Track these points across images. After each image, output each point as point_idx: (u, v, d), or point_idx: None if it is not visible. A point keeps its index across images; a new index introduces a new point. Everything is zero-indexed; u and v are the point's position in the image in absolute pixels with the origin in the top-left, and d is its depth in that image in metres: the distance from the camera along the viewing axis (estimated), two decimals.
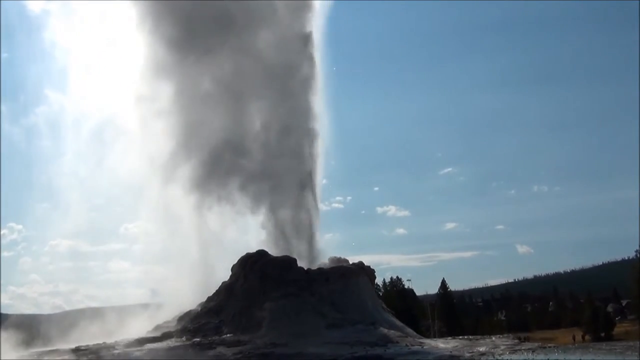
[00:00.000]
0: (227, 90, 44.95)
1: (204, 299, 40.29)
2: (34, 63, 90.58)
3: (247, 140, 44.92)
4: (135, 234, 49.89)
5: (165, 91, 46.24)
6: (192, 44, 45.08)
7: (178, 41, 45.41)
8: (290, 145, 45.06)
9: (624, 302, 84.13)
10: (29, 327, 40.91)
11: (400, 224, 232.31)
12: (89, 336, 37.94)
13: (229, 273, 41.08)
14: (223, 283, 40.69)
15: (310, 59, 47.10)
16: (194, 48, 45.04)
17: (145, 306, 45.50)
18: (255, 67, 45.12)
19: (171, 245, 47.55)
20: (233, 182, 44.76)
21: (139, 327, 39.10)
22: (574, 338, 48.33)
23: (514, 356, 29.22)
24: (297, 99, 46.12)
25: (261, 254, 40.04)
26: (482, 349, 32.18)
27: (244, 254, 40.75)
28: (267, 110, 45.77)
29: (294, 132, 45.48)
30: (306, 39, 47.10)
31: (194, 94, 45.43)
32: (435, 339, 42.37)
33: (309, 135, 46.05)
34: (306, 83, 46.75)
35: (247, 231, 47.28)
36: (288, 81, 45.87)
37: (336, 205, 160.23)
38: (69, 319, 43.62)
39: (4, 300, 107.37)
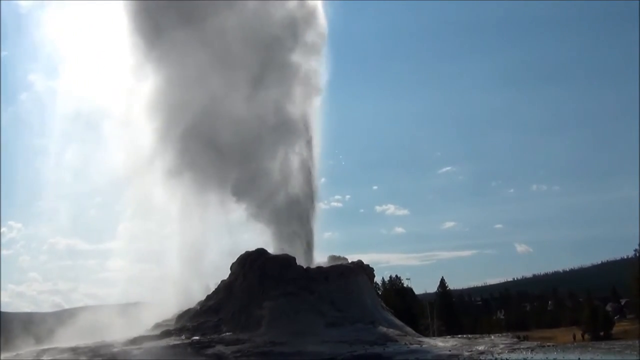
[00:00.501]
0: (211, 64, 43.85)
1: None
2: (25, 59, 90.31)
3: (230, 123, 43.43)
4: (131, 232, 49.46)
5: (150, 80, 45.80)
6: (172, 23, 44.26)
7: (158, 26, 44.85)
8: (282, 127, 44.11)
9: (623, 301, 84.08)
10: (26, 326, 40.75)
11: (399, 222, 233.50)
12: (79, 335, 37.67)
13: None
14: (222, 281, 40.69)
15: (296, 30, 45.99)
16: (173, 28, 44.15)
17: (136, 305, 45.17)
18: (239, 40, 44.13)
19: (161, 243, 47.23)
20: (219, 173, 44.03)
21: (119, 327, 38.69)
22: (574, 337, 48.33)
23: (512, 355, 29.18)
24: (285, 72, 44.86)
25: (260, 252, 39.96)
26: (481, 348, 32.18)
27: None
28: (253, 87, 44.13)
29: (285, 107, 44.45)
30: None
31: (180, 76, 44.58)
32: (434, 337, 42.33)
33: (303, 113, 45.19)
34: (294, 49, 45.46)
35: (241, 228, 46.72)
36: (273, 52, 44.55)
37: (335, 204, 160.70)
38: (67, 318, 43.46)
39: (4, 299, 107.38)
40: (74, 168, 52.32)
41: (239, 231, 46.05)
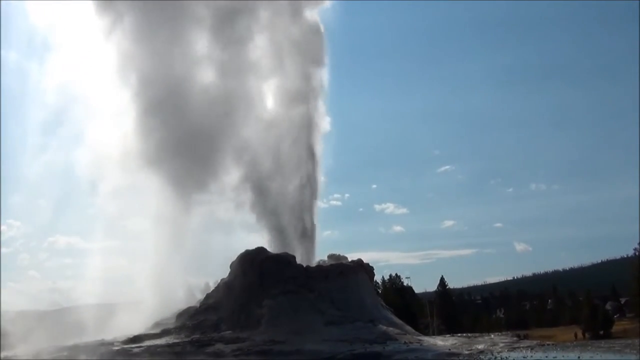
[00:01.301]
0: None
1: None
2: (17, 54, 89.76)
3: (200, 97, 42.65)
4: (130, 231, 49.10)
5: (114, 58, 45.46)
6: None
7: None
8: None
9: (622, 300, 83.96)
10: (26, 324, 40.65)
11: (398, 221, 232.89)
12: (77, 333, 37.56)
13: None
14: (222, 280, 40.69)
15: None
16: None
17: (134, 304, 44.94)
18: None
19: (153, 242, 46.86)
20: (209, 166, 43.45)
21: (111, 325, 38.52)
22: (575, 336, 48.23)
23: (512, 354, 29.18)
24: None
25: (260, 251, 39.98)
26: (480, 347, 32.21)
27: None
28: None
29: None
30: None
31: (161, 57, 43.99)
32: (434, 336, 42.33)
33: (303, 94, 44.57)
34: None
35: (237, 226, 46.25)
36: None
37: (334, 202, 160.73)
38: (66, 316, 43.40)
39: (3, 297, 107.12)
40: (71, 165, 51.87)
41: (235, 229, 45.83)
